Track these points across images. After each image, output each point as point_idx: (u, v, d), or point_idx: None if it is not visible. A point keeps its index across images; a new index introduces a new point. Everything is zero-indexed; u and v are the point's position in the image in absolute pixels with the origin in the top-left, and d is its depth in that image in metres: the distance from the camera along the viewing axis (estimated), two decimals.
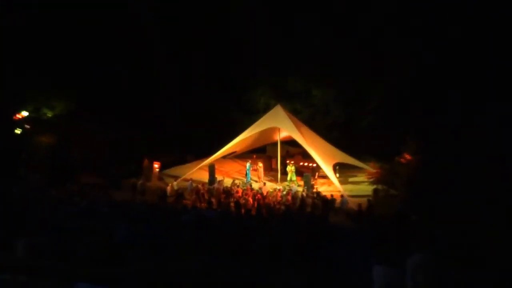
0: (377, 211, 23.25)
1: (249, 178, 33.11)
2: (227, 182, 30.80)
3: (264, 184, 29.41)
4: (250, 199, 26.16)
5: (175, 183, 30.10)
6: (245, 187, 29.26)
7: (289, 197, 26.54)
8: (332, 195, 26.67)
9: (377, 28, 36.35)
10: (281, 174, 33.06)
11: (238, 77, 42.49)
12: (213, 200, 26.83)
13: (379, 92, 36.95)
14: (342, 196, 26.53)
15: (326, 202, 25.48)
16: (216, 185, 30.02)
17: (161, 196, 27.57)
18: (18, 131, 31.37)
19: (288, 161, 34.60)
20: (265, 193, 27.47)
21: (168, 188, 29.39)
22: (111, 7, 36.56)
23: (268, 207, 24.16)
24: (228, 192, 28.34)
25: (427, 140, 25.54)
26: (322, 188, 30.79)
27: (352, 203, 25.76)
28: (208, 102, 42.20)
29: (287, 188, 29.78)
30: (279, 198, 26.74)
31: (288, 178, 32.43)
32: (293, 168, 32.59)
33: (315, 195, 27.33)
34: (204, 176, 32.83)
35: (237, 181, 30.93)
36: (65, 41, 34.27)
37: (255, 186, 30.41)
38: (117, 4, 37.50)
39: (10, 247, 11.98)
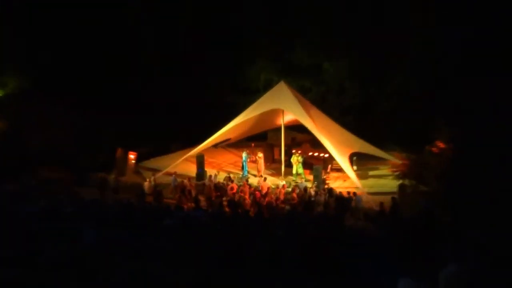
0: (404, 211, 23.22)
1: (246, 172, 33.04)
2: (221, 177, 30.73)
3: (265, 179, 29.31)
4: (247, 197, 26.11)
5: (152, 178, 30.00)
6: (241, 183, 29.19)
7: (295, 195, 26.47)
8: (349, 192, 26.64)
9: None
10: (286, 166, 32.97)
11: (233, 48, 42.31)
12: (202, 198, 26.76)
13: (405, 67, 36.76)
14: (354, 193, 26.45)
15: (341, 201, 25.43)
16: (206, 181, 29.95)
17: (138, 194, 27.42)
18: None
19: (294, 151, 34.54)
20: (265, 190, 27.39)
21: (146, 184, 29.35)
22: None
23: (269, 207, 24.10)
24: (220, 188, 28.29)
25: (465, 125, 25.46)
26: (336, 183, 30.72)
27: (373, 202, 25.72)
28: (195, 80, 42.08)
29: (293, 183, 29.75)
30: (282, 196, 26.70)
31: (294, 171, 32.35)
32: (300, 158, 32.41)
33: (327, 192, 27.27)
34: (191, 169, 32.72)
35: (231, 175, 30.87)
36: (23, 6, 34.06)
37: (254, 181, 30.35)
38: None
39: None
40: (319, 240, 14.17)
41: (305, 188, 27.47)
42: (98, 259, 12.66)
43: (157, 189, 28.20)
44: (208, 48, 42.42)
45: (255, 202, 25.33)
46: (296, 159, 32.41)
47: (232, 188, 28.00)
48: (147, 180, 29.82)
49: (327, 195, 26.56)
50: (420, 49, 35.36)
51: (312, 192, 27.13)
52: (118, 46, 39.48)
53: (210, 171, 32.54)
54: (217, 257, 12.78)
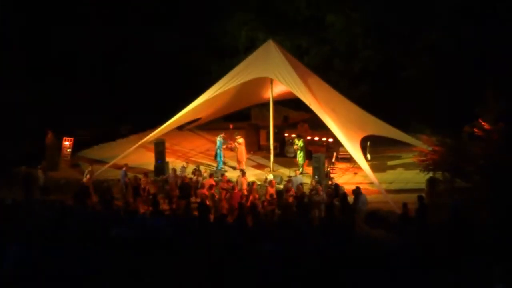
0: (434, 215, 23.31)
1: (221, 163, 33.07)
2: (190, 170, 30.68)
3: (243, 173, 29.18)
4: (224, 199, 26.02)
5: (89, 169, 29.75)
6: (217, 178, 29.16)
7: (290, 197, 26.28)
8: (357, 188, 26.47)
9: None
10: (276, 155, 33.02)
11: None
12: (162, 199, 26.73)
13: (441, 16, 36.77)
14: (355, 191, 26.21)
15: (348, 202, 25.48)
16: (170, 175, 29.87)
17: (76, 194, 27.41)
18: None
19: (287, 134, 34.56)
20: (244, 188, 27.35)
21: (85, 180, 29.09)
22: None
23: (253, 211, 24.07)
24: (185, 187, 28.14)
25: None
26: (343, 178, 30.78)
27: (394, 203, 25.78)
28: (150, 36, 41.97)
29: (299, 179, 29.45)
30: (268, 197, 26.56)
31: (300, 161, 32.28)
32: (301, 143, 32.36)
33: (333, 190, 27.25)
34: (148, 161, 32.71)
35: (202, 168, 30.84)
36: None
37: (233, 175, 30.33)
38: None
39: None
40: (321, 260, 14.25)
41: (299, 186, 27.32)
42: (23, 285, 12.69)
43: (104, 186, 28.08)
44: None
45: (237, 204, 25.34)
46: (298, 144, 32.36)
47: (202, 186, 27.82)
48: (87, 176, 29.36)
49: (334, 194, 26.44)
50: None
51: (313, 190, 26.89)
52: None
53: (174, 162, 32.43)
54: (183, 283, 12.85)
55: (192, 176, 29.33)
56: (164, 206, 25.96)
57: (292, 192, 26.02)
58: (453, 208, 21.98)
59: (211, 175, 28.79)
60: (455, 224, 20.26)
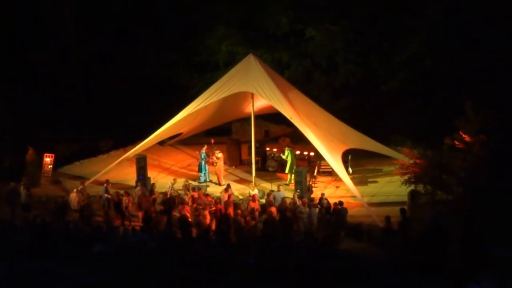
0: (417, 227, 23.34)
1: (203, 177, 33.11)
2: (178, 186, 30.60)
3: (228, 187, 29.20)
4: (207, 213, 25.98)
5: (80, 187, 29.69)
6: (206, 192, 29.14)
7: (273, 209, 26.33)
8: (339, 203, 26.53)
9: None
10: (258, 169, 33.02)
11: (183, 9, 42.31)
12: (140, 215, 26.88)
13: (421, 30, 37.07)
14: (339, 203, 26.33)
15: (329, 215, 25.57)
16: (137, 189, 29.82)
17: (58, 210, 27.29)
18: None
19: (268, 148, 34.60)
20: (225, 200, 27.36)
21: (73, 195, 28.87)
22: None
23: (236, 227, 24.09)
24: (168, 202, 28.06)
25: (503, 109, 25.71)
26: (325, 192, 30.85)
27: (376, 216, 25.85)
28: (133, 52, 41.97)
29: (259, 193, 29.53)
30: (250, 212, 26.58)
31: (287, 170, 32.44)
32: (287, 153, 32.42)
33: (318, 203, 27.31)
34: (129, 176, 32.66)
35: (189, 183, 30.82)
36: None
37: (215, 190, 30.33)
38: None
39: None
40: (304, 272, 14.28)
41: (283, 200, 27.44)
42: None
43: (85, 203, 27.97)
44: (148, 9, 42.42)
45: (219, 219, 25.31)
46: (287, 155, 32.39)
47: (183, 201, 27.71)
48: (74, 191, 29.31)
49: (320, 207, 26.53)
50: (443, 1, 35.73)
51: (298, 203, 26.87)
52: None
53: (165, 179, 32.50)
54: None
55: (182, 191, 29.24)
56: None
57: (272, 209, 26.07)
58: (431, 219, 22.04)
59: (193, 189, 28.78)
60: (432, 235, 20.33)
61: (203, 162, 33.18)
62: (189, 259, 16.70)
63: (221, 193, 29.08)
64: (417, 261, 18.36)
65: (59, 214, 27.07)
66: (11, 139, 34.85)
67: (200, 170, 33.33)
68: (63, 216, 27.04)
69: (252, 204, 26.99)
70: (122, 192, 29.26)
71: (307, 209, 26.00)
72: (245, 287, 13.20)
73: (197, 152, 34.35)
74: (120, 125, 38.25)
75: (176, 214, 26.80)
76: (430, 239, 19.87)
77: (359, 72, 39.44)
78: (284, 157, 32.72)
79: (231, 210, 26.00)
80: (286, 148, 32.89)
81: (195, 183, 31.84)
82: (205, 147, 33.77)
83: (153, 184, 30.06)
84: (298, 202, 26.61)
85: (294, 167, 32.05)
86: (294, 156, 32.54)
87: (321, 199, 26.87)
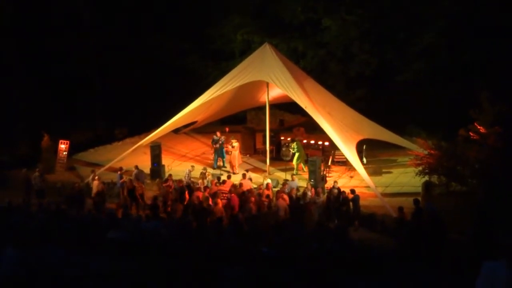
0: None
1: (216, 161, 33.13)
2: (195, 174, 30.58)
3: (244, 176, 29.15)
4: (219, 202, 25.91)
5: (92, 175, 29.72)
6: (207, 180, 29.06)
7: (285, 197, 26.26)
8: (351, 191, 26.47)
9: None
10: (272, 158, 33.05)
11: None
12: (159, 203, 26.72)
13: (435, 22, 36.90)
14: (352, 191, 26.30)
15: (341, 204, 25.53)
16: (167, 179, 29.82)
17: (72, 198, 27.41)
18: None
19: (283, 137, 34.56)
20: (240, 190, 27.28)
21: (95, 183, 28.77)
22: None
23: (250, 215, 24.05)
24: (182, 190, 28.03)
25: None
26: (340, 182, 30.81)
27: (390, 207, 25.82)
28: (147, 41, 42.00)
29: (273, 182, 29.44)
30: (265, 200, 26.47)
31: (294, 161, 32.33)
32: (294, 145, 32.38)
33: (326, 193, 27.30)
34: (144, 163, 32.71)
35: (203, 170, 30.76)
36: None
37: (232, 179, 30.34)
38: None
39: None
40: (315, 263, 14.24)
41: (294, 189, 27.35)
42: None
43: (101, 190, 28.04)
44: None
45: (232, 208, 25.29)
46: (294, 146, 32.34)
47: (198, 188, 27.67)
48: (96, 178, 29.04)
49: (329, 196, 26.49)
50: None
51: (310, 193, 26.81)
52: None
53: (170, 165, 32.48)
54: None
55: (200, 179, 29.16)
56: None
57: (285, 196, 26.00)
58: (429, 208, 22.06)
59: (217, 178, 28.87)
60: (432, 225, 20.38)
61: (221, 150, 33.26)
62: (201, 247, 16.71)
63: (240, 181, 28.97)
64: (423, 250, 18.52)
65: (77, 200, 27.23)
66: (26, 126, 34.95)
67: (217, 152, 33.46)
68: (82, 203, 27.22)
69: (266, 193, 26.98)
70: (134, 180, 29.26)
71: (320, 199, 26.04)
72: (256, 275, 13.19)
73: (210, 143, 34.36)
74: (135, 113, 38.33)
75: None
76: (428, 229, 20.03)
77: (374, 62, 39.34)
78: (292, 151, 32.66)
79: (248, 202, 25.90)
80: (293, 142, 32.82)
81: (213, 171, 31.89)
82: (217, 133, 33.70)
83: (170, 174, 29.96)
84: (311, 192, 26.61)
85: (302, 158, 32.15)
86: (302, 147, 32.55)
87: (332, 188, 26.81)
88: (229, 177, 30.42)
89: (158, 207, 25.37)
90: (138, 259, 15.25)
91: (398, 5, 37.87)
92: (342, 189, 26.63)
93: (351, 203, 25.76)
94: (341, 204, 25.72)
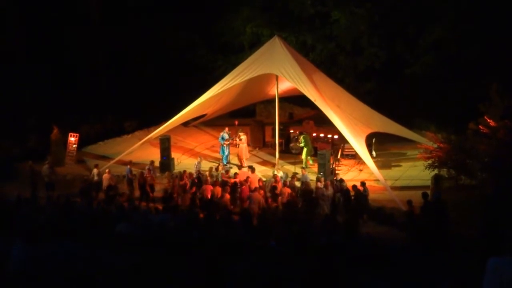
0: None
1: (225, 157, 33.07)
2: (204, 166, 30.65)
3: (253, 169, 29.10)
4: (227, 195, 25.92)
5: (95, 170, 29.75)
6: (216, 173, 29.07)
7: (288, 190, 26.20)
8: (362, 184, 26.41)
9: None
10: (281, 152, 32.98)
11: None
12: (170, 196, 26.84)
13: (446, 13, 36.77)
14: (362, 184, 26.23)
15: (350, 198, 25.50)
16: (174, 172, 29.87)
17: (83, 190, 27.49)
18: None
19: (292, 131, 34.53)
20: (254, 185, 27.20)
21: (106, 176, 28.81)
22: None
23: (259, 209, 24.06)
24: (196, 181, 28.11)
25: None
26: (349, 175, 30.79)
27: (399, 200, 25.77)
28: (156, 34, 42.00)
29: (283, 175, 29.41)
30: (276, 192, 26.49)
31: (303, 155, 32.35)
32: (302, 139, 32.36)
33: (338, 186, 27.25)
34: (153, 156, 32.69)
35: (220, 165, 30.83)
36: None
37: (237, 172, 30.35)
38: None
39: None
40: (324, 256, 14.22)
41: (306, 182, 27.34)
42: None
43: (111, 184, 28.08)
44: None
45: (241, 202, 25.31)
46: (302, 140, 32.33)
47: (206, 180, 27.70)
48: (107, 171, 29.19)
49: (339, 189, 26.45)
50: None
51: (321, 185, 26.74)
52: None
53: (180, 158, 32.52)
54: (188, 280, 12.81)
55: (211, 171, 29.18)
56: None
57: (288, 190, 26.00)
58: (436, 196, 22.09)
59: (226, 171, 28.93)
60: (437, 215, 20.44)
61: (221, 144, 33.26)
62: (209, 241, 16.70)
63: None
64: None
65: (88, 192, 27.33)
66: (37, 119, 35.03)
67: (224, 147, 33.38)
68: (96, 195, 27.36)
69: (274, 184, 26.98)
70: (146, 170, 29.29)
71: (330, 192, 25.99)
72: (265, 269, 13.18)
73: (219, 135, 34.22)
74: (144, 106, 38.35)
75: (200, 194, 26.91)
76: (432, 215, 20.10)
77: (383, 55, 39.31)
78: (300, 145, 32.64)
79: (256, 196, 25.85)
80: (301, 135, 32.83)
81: (227, 166, 31.92)
82: (226, 129, 33.65)
83: (185, 171, 29.83)
84: (323, 184, 26.57)
85: (310, 152, 32.22)
86: (309, 141, 32.52)
87: (340, 183, 26.76)
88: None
89: (172, 198, 25.39)
90: (144, 252, 15.26)
91: None
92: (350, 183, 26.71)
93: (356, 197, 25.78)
94: (347, 199, 25.71)
